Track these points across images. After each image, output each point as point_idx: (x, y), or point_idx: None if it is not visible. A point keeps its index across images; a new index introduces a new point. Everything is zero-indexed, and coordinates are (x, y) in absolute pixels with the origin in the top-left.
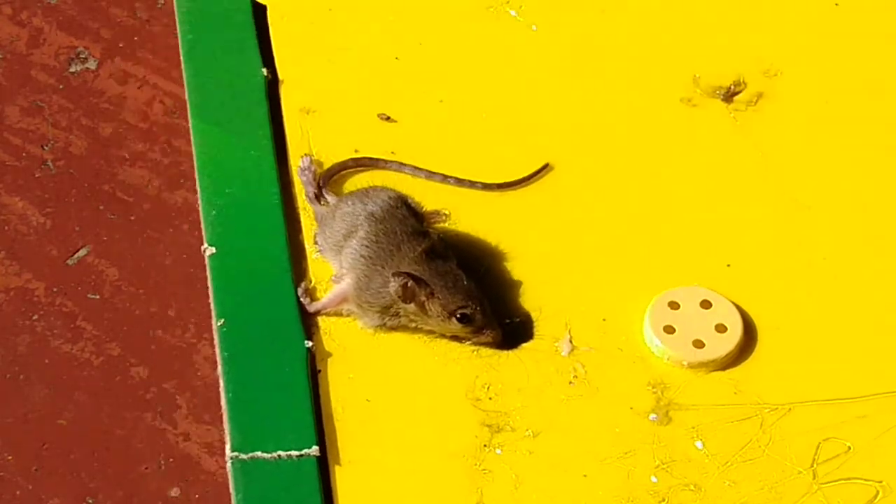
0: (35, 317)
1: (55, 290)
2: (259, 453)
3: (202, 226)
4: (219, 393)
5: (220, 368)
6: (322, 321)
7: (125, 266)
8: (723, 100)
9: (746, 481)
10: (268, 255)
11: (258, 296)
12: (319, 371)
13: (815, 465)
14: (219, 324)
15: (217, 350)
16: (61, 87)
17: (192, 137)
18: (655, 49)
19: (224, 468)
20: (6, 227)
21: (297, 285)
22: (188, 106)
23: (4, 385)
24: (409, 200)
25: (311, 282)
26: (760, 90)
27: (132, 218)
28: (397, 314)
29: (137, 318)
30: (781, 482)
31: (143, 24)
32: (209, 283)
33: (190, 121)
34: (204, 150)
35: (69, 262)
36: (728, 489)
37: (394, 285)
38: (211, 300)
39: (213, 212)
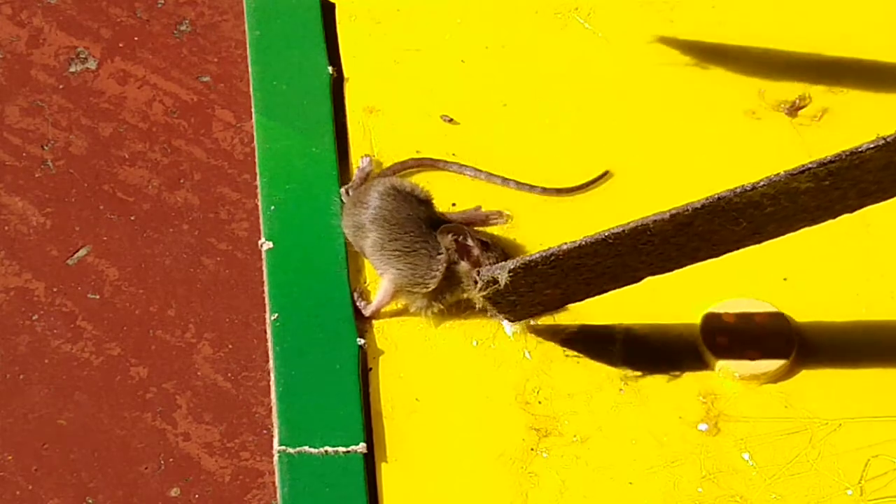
0: (35, 317)
1: (55, 290)
2: (306, 448)
3: (260, 220)
4: (218, 393)
5: (271, 363)
6: (376, 319)
7: (125, 266)
8: (787, 113)
9: (793, 495)
10: (324, 253)
11: (313, 292)
12: (370, 369)
13: (862, 482)
14: (272, 318)
15: (269, 344)
16: (61, 87)
17: (254, 132)
18: (722, 61)
19: (224, 468)
20: (6, 227)
21: (352, 284)
22: (252, 101)
23: (4, 385)
24: (397, 183)
25: (366, 281)
26: (826, 105)
27: (132, 218)
28: (451, 280)
29: (137, 318)
30: (828, 498)
31: (143, 24)
32: (265, 278)
33: (253, 116)
34: (266, 146)
35: (69, 262)
36: (774, 502)
37: (448, 240)
38: (266, 294)
39: (272, 207)
